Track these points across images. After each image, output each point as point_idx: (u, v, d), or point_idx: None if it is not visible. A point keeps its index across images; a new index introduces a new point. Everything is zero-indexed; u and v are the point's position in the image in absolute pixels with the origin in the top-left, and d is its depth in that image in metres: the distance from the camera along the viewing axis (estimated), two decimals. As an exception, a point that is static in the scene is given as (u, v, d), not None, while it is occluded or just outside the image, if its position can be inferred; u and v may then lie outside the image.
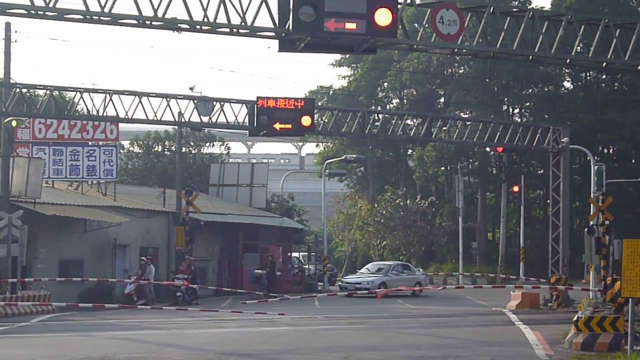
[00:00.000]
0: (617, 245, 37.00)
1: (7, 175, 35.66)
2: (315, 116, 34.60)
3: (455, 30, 23.50)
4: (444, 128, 39.76)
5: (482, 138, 39.56)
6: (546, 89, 70.21)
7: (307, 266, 56.49)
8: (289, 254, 55.39)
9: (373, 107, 73.31)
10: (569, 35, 26.20)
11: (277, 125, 31.12)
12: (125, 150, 68.23)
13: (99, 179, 43.78)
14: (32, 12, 21.50)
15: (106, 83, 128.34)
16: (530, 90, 70.45)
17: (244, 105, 34.86)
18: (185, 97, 35.42)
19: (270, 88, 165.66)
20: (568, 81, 73.09)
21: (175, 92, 35.61)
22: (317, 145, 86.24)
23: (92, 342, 22.78)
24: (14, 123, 35.08)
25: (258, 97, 31.54)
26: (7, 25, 36.92)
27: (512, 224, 69.39)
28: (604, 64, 27.10)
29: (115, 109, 34.15)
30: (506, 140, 39.58)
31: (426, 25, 24.14)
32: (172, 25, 22.41)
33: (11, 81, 35.56)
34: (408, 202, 68.04)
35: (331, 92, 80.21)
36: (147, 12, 21.83)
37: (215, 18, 22.11)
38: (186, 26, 22.39)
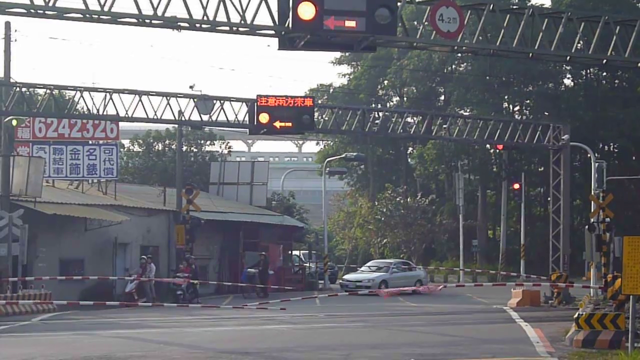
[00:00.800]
0: (618, 242, 36.96)
1: (8, 175, 35.66)
2: (316, 114, 34.61)
3: (455, 28, 23.47)
4: (444, 126, 39.75)
5: (482, 136, 39.53)
6: (546, 87, 70.07)
7: (307, 264, 56.46)
8: (290, 252, 55.39)
9: (373, 105, 73.38)
10: (569, 32, 26.15)
11: (278, 124, 31.15)
12: (125, 149, 68.26)
13: (100, 177, 43.78)
14: (32, 11, 21.47)
15: (106, 82, 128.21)
16: (530, 88, 70.29)
17: (244, 103, 34.79)
18: (185, 96, 35.40)
19: (270, 86, 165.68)
20: (568, 78, 73.04)
21: (175, 90, 35.70)
22: (317, 144, 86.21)
23: (93, 341, 22.77)
24: (14, 122, 35.15)
25: (258, 96, 31.59)
26: (7, 25, 36.95)
27: (512, 222, 69.35)
28: (604, 61, 27.08)
29: (116, 108, 34.14)
30: (506, 138, 39.53)
31: (426, 23, 24.10)
32: (171, 23, 22.40)
33: (11, 80, 35.52)
34: (408, 200, 67.97)
35: (331, 90, 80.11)
36: (147, 10, 21.80)
37: (215, 16, 22.08)
38: (186, 24, 22.36)
